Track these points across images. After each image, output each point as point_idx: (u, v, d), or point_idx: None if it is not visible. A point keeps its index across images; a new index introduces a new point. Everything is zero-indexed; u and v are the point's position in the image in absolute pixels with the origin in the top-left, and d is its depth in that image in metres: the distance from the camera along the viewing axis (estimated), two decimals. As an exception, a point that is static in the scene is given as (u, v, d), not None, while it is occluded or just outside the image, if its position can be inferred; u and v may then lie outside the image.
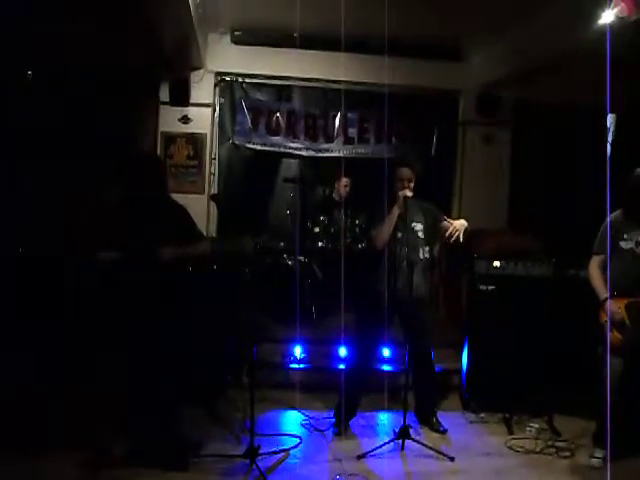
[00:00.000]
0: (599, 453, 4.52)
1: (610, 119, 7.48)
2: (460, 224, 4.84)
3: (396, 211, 4.79)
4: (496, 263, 5.66)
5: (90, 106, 6.83)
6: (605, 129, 7.37)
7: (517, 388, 5.39)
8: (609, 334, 4.43)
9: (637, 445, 4.71)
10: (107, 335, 4.49)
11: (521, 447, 4.83)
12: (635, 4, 4.45)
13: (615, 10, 4.56)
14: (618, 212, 4.62)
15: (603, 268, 4.60)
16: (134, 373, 4.15)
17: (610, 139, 7.45)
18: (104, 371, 4.69)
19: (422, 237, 4.99)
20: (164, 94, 7.21)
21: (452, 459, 4.49)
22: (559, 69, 6.20)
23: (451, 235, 4.78)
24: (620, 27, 4.50)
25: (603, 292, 4.54)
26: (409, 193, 4.78)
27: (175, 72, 7.07)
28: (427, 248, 5.02)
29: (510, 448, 4.82)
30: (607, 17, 4.58)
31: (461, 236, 4.78)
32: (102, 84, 6.84)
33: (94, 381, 4.89)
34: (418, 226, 4.98)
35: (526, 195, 7.60)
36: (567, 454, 4.73)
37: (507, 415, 5.33)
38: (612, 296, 4.47)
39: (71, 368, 5.12)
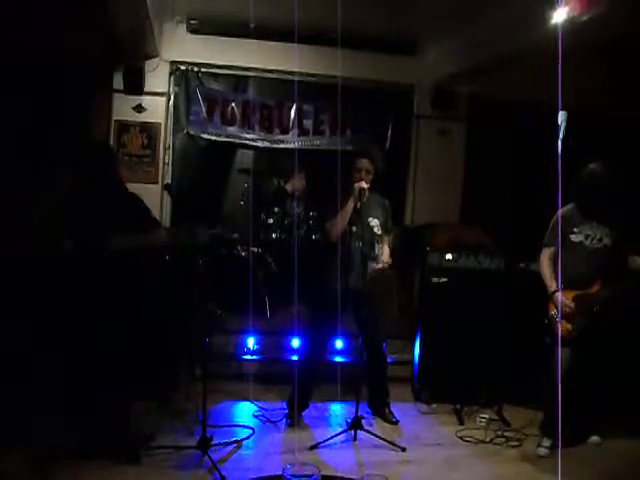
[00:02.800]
0: (547, 442, 4.62)
1: (561, 116, 7.59)
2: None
3: (351, 203, 4.78)
4: (448, 256, 5.72)
5: (41, 93, 6.70)
6: (557, 125, 7.48)
7: (468, 379, 5.48)
8: (559, 326, 4.53)
9: (583, 434, 4.84)
10: (58, 328, 4.42)
11: (471, 437, 4.91)
12: (586, 2, 4.54)
13: (566, 8, 4.64)
14: (570, 206, 4.71)
15: (553, 260, 4.70)
16: (85, 365, 4.10)
17: (561, 135, 7.56)
18: (55, 364, 4.62)
19: (378, 232, 5.00)
20: (118, 82, 7.11)
21: (404, 449, 4.54)
22: (513, 65, 6.27)
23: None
24: (572, 25, 4.59)
25: (552, 284, 4.64)
26: (365, 185, 4.77)
27: (130, 60, 6.98)
28: (381, 244, 5.04)
29: (461, 438, 4.90)
30: (559, 15, 4.66)
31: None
32: (54, 70, 6.71)
33: (46, 374, 4.81)
34: (374, 221, 4.99)
35: (479, 189, 7.68)
36: (516, 443, 4.83)
37: (458, 406, 5.41)
38: (560, 289, 4.57)
39: (22, 362, 5.03)
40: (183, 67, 7.34)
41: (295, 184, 6.99)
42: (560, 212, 4.68)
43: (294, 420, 4.95)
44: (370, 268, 4.85)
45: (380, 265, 4.91)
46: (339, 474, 3.82)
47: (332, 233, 4.86)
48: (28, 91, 6.56)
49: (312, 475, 1.94)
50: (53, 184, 5.08)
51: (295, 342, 6.00)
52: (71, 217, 4.16)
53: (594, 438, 4.87)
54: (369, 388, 5.23)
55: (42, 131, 6.56)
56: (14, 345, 4.84)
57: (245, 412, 5.20)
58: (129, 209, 4.30)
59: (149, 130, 7.27)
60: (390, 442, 4.61)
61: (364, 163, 4.86)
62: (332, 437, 4.63)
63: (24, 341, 4.86)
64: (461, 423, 5.22)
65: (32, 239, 4.70)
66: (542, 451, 4.61)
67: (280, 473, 2.00)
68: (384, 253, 4.96)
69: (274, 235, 6.83)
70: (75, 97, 6.84)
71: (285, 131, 7.60)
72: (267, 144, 7.57)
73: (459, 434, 4.96)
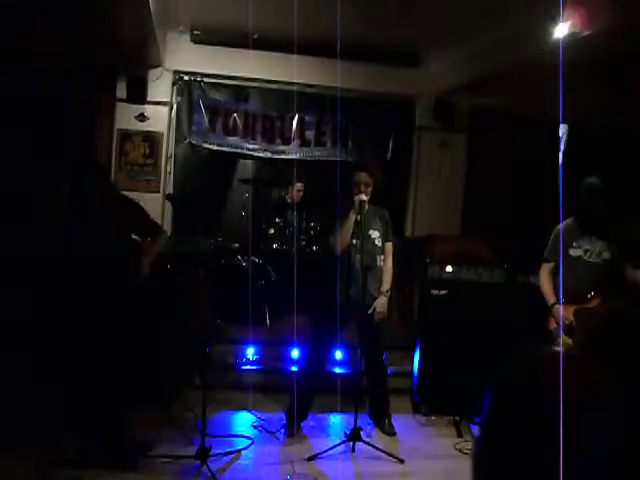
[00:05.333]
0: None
1: (562, 129, 7.63)
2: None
3: (352, 215, 4.80)
4: (448, 268, 5.73)
5: (45, 100, 6.71)
6: (558, 138, 7.53)
7: (466, 391, 5.47)
8: (560, 339, 4.54)
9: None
10: (58, 335, 4.43)
11: (470, 449, 4.90)
12: (587, 18, 4.57)
13: (568, 23, 4.68)
14: (570, 220, 4.72)
15: (553, 275, 4.72)
16: (83, 373, 4.11)
17: (562, 148, 7.60)
18: (54, 372, 4.62)
19: (379, 245, 5.01)
20: (121, 91, 7.15)
21: (402, 461, 4.53)
22: (515, 78, 6.31)
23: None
24: (572, 40, 4.62)
25: (552, 299, 4.64)
26: (364, 197, 4.78)
27: (133, 69, 7.02)
28: (383, 256, 5.05)
29: (459, 450, 4.89)
30: (560, 31, 4.69)
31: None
32: (58, 79, 6.73)
33: (43, 382, 4.82)
34: (375, 234, 4.99)
35: (480, 201, 7.71)
36: (514, 457, 4.81)
37: (456, 418, 5.40)
38: (560, 303, 4.57)
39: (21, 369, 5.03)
40: (186, 77, 7.38)
41: (293, 193, 7.00)
42: (560, 226, 4.69)
43: (293, 430, 4.95)
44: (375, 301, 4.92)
45: (378, 313, 4.94)
46: (337, 485, 3.83)
47: (336, 246, 4.86)
48: (32, 100, 6.57)
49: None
50: (57, 193, 5.09)
51: (295, 352, 6.00)
52: (73, 226, 4.19)
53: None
54: (370, 399, 5.23)
55: (46, 140, 6.56)
56: (14, 352, 4.85)
57: (244, 422, 5.19)
58: (130, 215, 4.34)
59: (151, 139, 7.31)
60: (389, 453, 4.61)
61: (362, 176, 4.86)
62: (331, 448, 4.62)
63: (23, 349, 4.88)
64: (459, 435, 5.21)
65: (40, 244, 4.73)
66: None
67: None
68: (380, 303, 4.96)
69: (275, 245, 6.84)
70: (79, 106, 6.86)
71: (287, 142, 7.64)
72: (268, 154, 7.61)
73: (457, 446, 4.95)
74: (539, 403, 1.02)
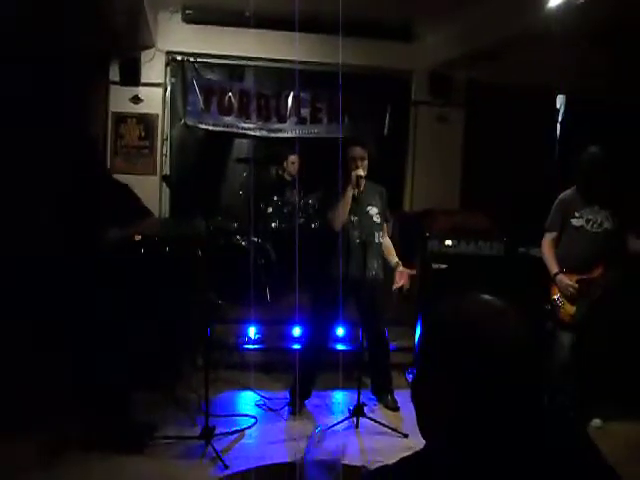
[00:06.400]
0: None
1: (560, 99, 7.58)
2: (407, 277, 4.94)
3: (350, 191, 4.77)
4: (448, 242, 5.72)
5: (37, 87, 6.65)
6: (555, 109, 7.49)
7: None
8: (558, 308, 4.55)
9: (584, 417, 4.84)
10: (58, 319, 4.43)
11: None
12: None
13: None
14: (571, 190, 4.70)
15: (556, 245, 4.71)
16: (86, 357, 4.11)
17: (560, 119, 7.56)
18: (57, 354, 4.63)
19: (377, 221, 4.98)
20: (114, 74, 7.10)
21: (406, 435, 4.54)
22: (511, 49, 6.25)
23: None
24: (569, 8, 4.58)
25: (555, 268, 4.65)
26: (362, 172, 4.75)
27: (125, 51, 6.96)
28: (382, 233, 5.02)
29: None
30: (556, -1, 4.65)
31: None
32: (50, 64, 6.67)
33: (47, 365, 4.82)
34: (373, 210, 4.95)
35: (478, 174, 7.67)
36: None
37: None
38: (562, 272, 4.57)
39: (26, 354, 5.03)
40: (179, 57, 7.32)
41: (289, 168, 6.99)
42: (561, 196, 4.68)
43: (296, 408, 4.96)
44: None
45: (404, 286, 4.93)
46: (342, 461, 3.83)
47: (335, 222, 4.83)
48: (24, 85, 6.52)
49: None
50: (53, 180, 5.07)
51: (296, 330, 6.00)
52: (66, 210, 4.18)
53: (596, 421, 4.87)
54: (372, 375, 5.23)
55: (39, 125, 6.52)
56: (17, 337, 4.86)
57: (248, 401, 5.20)
58: (118, 199, 4.33)
59: (146, 121, 7.26)
60: (392, 428, 4.62)
61: (357, 151, 4.82)
62: (334, 425, 4.63)
63: (27, 334, 4.89)
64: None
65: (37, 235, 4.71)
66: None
67: (283, 460, 1.99)
68: (401, 277, 4.94)
69: (273, 224, 6.82)
70: (72, 90, 6.81)
71: (282, 120, 7.60)
72: (265, 133, 7.58)
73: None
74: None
